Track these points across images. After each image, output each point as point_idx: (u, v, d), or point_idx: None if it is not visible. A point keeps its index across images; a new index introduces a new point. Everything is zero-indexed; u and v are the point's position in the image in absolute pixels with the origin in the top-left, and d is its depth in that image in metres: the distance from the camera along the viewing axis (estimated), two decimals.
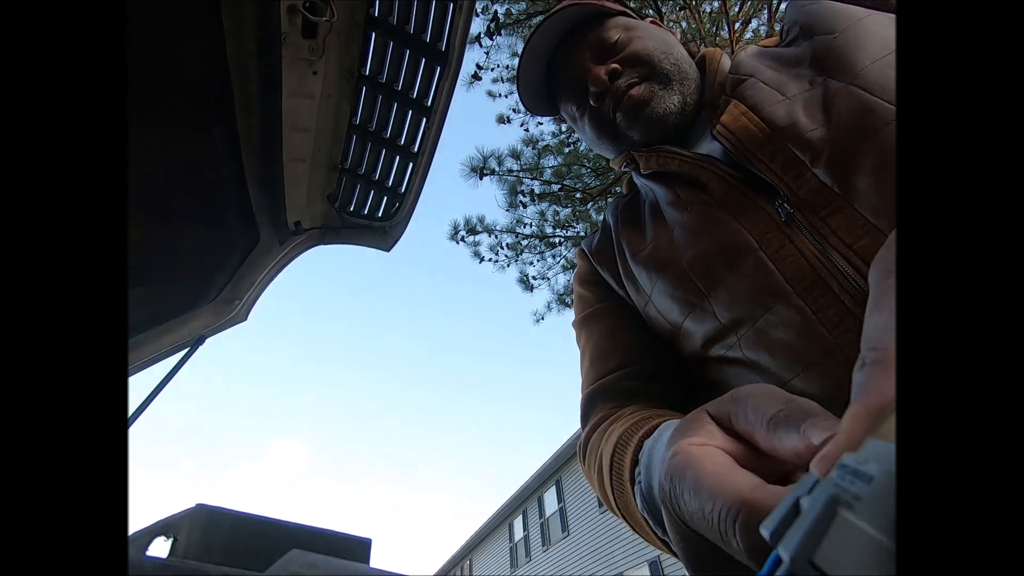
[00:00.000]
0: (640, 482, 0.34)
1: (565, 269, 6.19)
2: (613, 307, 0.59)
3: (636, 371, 0.52)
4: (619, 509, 0.41)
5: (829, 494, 0.12)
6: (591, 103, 0.55)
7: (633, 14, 0.60)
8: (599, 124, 0.57)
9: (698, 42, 5.13)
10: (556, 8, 0.55)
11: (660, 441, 0.31)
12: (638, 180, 0.59)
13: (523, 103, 0.63)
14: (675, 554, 0.26)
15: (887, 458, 0.12)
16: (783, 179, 0.42)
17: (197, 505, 0.49)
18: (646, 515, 0.34)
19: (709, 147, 0.51)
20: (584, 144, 6.21)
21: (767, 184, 0.43)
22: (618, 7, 0.58)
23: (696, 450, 0.22)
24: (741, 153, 0.45)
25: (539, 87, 0.61)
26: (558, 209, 5.99)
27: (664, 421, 0.36)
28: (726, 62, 0.55)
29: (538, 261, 6.19)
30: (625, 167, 0.61)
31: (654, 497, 0.31)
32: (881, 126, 0.37)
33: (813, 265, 0.39)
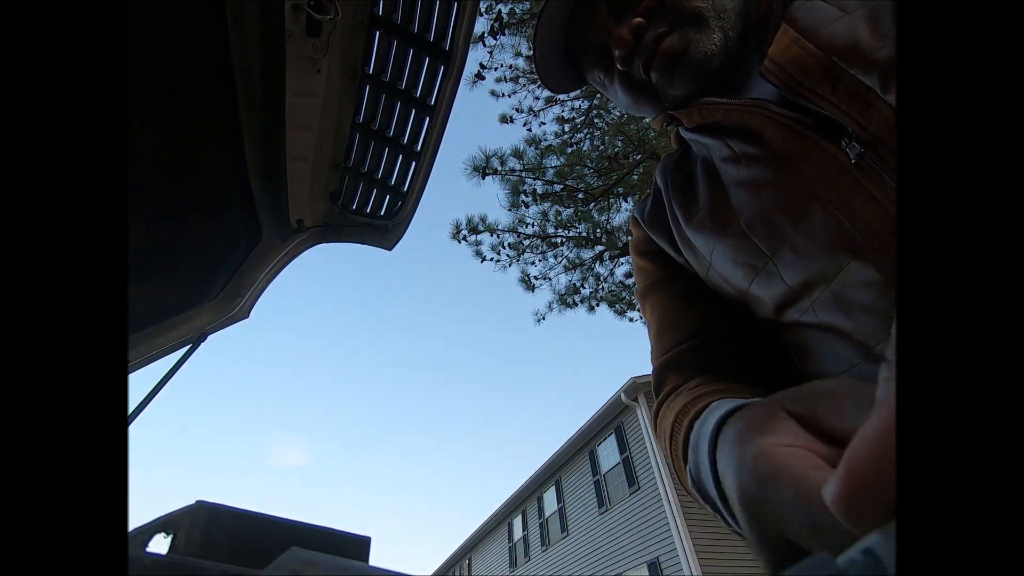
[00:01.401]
0: (689, 463, 0.33)
1: (566, 269, 6.19)
2: (674, 275, 0.56)
3: (702, 342, 0.49)
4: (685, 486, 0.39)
5: None
6: (619, 67, 0.50)
7: None
8: (632, 88, 0.51)
9: None
10: None
11: (708, 422, 0.30)
12: (686, 135, 0.53)
13: (543, 83, 0.58)
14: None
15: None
16: (849, 113, 0.37)
17: (197, 502, 0.49)
18: (694, 492, 0.33)
19: (763, 87, 0.45)
20: (587, 144, 6.23)
21: (832, 121, 0.38)
22: None
23: (785, 453, 0.21)
24: (795, 90, 0.40)
25: (559, 62, 0.55)
26: (560, 209, 5.99)
27: (716, 400, 0.35)
28: None
29: (540, 261, 6.19)
30: (667, 125, 0.56)
31: (701, 480, 0.31)
32: None
33: (891, 213, 0.34)
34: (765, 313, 0.46)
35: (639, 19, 0.47)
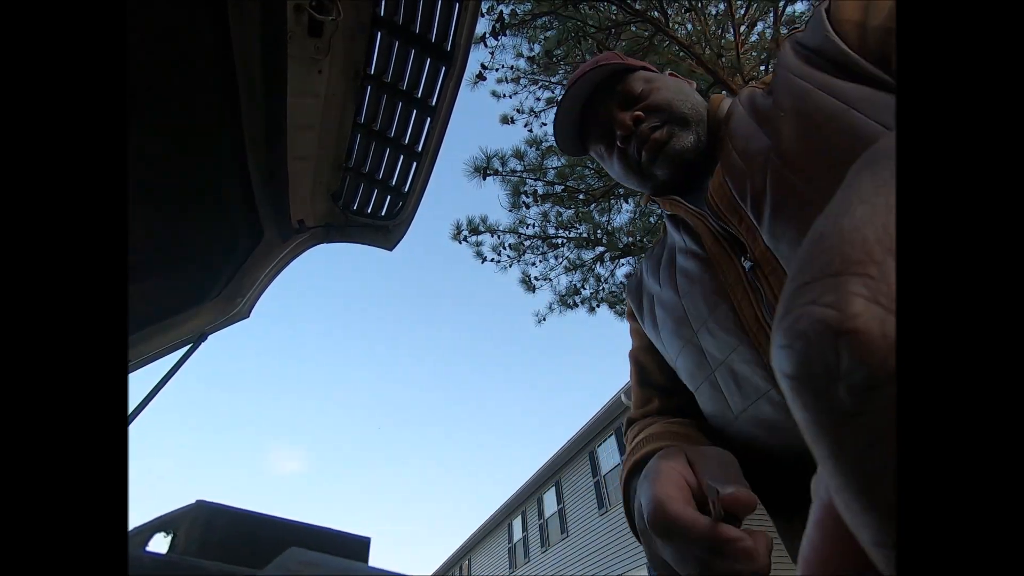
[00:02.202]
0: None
1: (567, 270, 6.19)
2: (649, 344, 0.70)
3: (660, 407, 0.66)
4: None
5: None
6: (618, 144, 0.64)
7: (654, 68, 0.69)
8: (626, 163, 0.65)
9: (703, 46, 5.12)
10: (588, 67, 0.65)
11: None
12: (665, 221, 0.67)
13: (558, 146, 0.73)
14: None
15: None
16: (746, 240, 0.51)
17: (197, 502, 0.49)
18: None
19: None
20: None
21: (739, 240, 0.52)
22: (639, 63, 0.68)
23: (662, 464, 0.41)
24: (719, 216, 0.54)
25: (572, 132, 0.70)
26: (561, 210, 5.99)
27: (659, 450, 0.50)
28: (723, 108, 0.63)
29: (540, 262, 6.19)
30: (649, 205, 0.71)
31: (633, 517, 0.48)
32: (801, 207, 0.45)
33: (757, 315, 0.49)
34: (685, 381, 0.61)
35: (639, 112, 0.62)
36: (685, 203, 0.59)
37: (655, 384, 0.67)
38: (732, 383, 0.52)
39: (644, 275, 0.70)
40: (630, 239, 5.86)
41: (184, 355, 1.23)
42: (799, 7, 5.22)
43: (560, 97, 0.68)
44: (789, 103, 0.50)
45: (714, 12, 5.44)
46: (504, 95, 6.06)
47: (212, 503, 0.48)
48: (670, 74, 0.69)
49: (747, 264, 0.50)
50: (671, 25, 5.20)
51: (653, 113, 0.62)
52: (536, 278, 6.19)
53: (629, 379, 0.73)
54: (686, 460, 0.42)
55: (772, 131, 0.51)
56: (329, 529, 0.57)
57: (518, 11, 5.20)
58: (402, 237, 1.33)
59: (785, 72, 0.53)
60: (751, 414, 0.50)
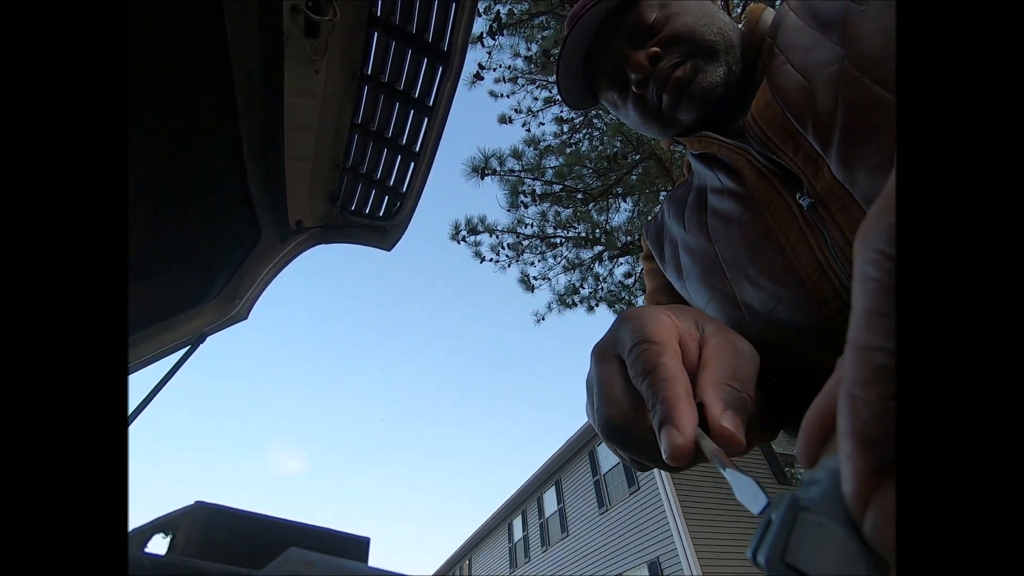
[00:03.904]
0: None
1: (566, 269, 6.20)
2: (667, 285, 0.63)
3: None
4: None
5: (788, 500, 0.14)
6: (633, 90, 0.55)
7: None
8: (644, 109, 0.56)
9: None
10: (590, 1, 0.54)
11: None
12: (690, 158, 0.59)
13: (563, 100, 0.63)
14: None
15: (832, 463, 0.14)
16: (804, 172, 0.43)
17: (196, 503, 0.49)
18: None
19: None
20: (586, 144, 6.23)
21: (792, 174, 0.44)
22: None
23: (655, 308, 0.32)
24: (767, 145, 0.46)
25: (577, 80, 0.60)
26: (559, 210, 6.00)
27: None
28: (767, 19, 0.53)
29: (539, 261, 6.20)
30: (674, 147, 0.63)
31: None
32: (883, 124, 0.36)
33: (819, 259, 0.41)
34: None
35: (656, 48, 0.52)
36: (719, 138, 0.50)
37: None
38: (775, 339, 0.45)
39: (665, 218, 0.61)
40: (628, 238, 5.86)
41: (183, 356, 1.22)
42: None
43: (561, 42, 0.57)
44: None
45: None
46: (502, 95, 6.07)
47: (212, 504, 0.48)
48: None
49: (805, 202, 0.43)
50: None
51: (673, 46, 0.52)
52: (535, 278, 6.20)
53: None
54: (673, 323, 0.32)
55: (844, 35, 0.41)
56: (329, 529, 0.57)
57: (515, 11, 5.21)
58: (400, 237, 1.33)
59: None
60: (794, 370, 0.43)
